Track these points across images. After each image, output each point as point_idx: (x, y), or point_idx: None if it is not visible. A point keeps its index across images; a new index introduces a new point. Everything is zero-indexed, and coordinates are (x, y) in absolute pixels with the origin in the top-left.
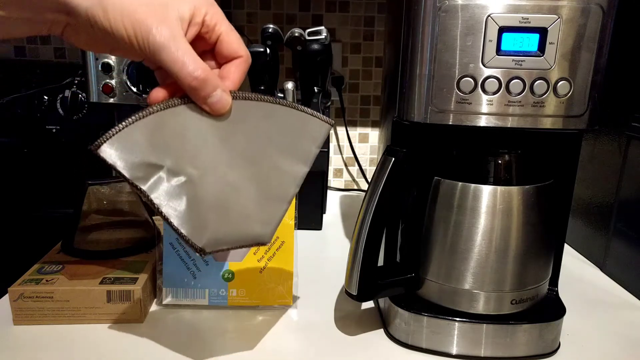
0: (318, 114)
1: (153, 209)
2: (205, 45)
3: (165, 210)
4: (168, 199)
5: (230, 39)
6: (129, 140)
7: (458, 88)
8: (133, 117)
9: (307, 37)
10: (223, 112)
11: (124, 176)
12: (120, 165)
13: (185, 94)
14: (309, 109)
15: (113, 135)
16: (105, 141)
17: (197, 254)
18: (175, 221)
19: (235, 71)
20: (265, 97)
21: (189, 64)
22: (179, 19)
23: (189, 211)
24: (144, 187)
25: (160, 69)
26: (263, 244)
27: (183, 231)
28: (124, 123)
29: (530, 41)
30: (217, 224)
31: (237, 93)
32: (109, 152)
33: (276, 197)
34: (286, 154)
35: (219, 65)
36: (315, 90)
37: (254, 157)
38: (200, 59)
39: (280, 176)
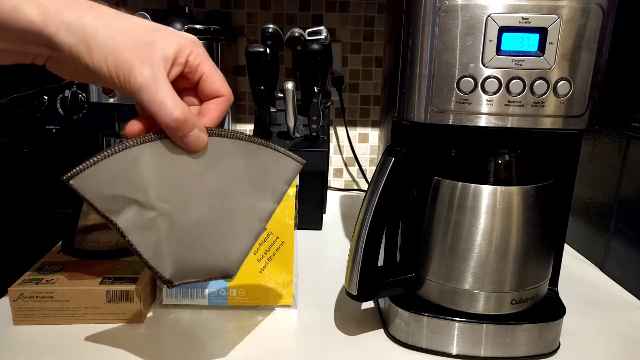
0: (290, 153)
1: (123, 241)
2: (187, 84)
3: (135, 243)
4: (139, 232)
5: (213, 79)
6: (102, 174)
7: (458, 88)
8: (108, 152)
9: (307, 37)
10: (198, 149)
11: (95, 208)
12: (91, 198)
13: (161, 129)
14: (281, 148)
15: (86, 168)
16: (77, 174)
17: (166, 286)
18: (145, 254)
19: (215, 109)
20: (241, 134)
21: (168, 105)
22: (162, 59)
23: (158, 245)
24: (115, 220)
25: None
26: (229, 277)
27: (152, 264)
28: (98, 157)
29: (530, 41)
30: (186, 257)
31: (213, 130)
32: (81, 184)
33: (244, 233)
34: (257, 191)
35: (200, 102)
36: (315, 90)
37: (226, 194)
38: (180, 98)
39: (250, 212)
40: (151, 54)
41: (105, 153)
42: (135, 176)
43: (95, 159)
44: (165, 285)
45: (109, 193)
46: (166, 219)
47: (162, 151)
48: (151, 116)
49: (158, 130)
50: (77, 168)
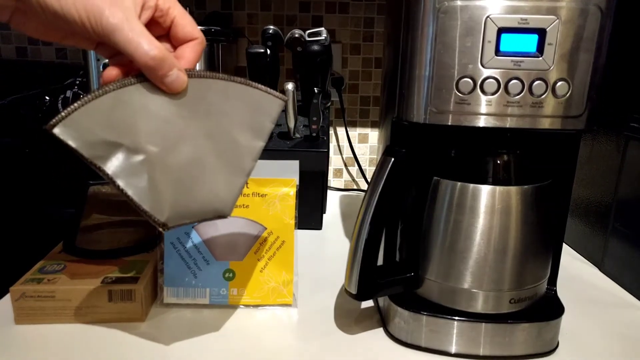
0: (271, 90)
1: (113, 187)
2: (160, 30)
3: (125, 188)
4: (128, 176)
5: (185, 22)
6: (84, 120)
7: (457, 89)
8: (89, 96)
9: (307, 38)
10: (180, 90)
11: (81, 155)
12: (75, 144)
13: (139, 73)
14: (262, 86)
15: (69, 114)
16: (60, 120)
17: (161, 229)
18: (136, 198)
19: (191, 52)
20: (220, 74)
21: (144, 44)
22: (132, 2)
23: (149, 188)
24: (104, 166)
25: (113, 56)
26: (224, 216)
27: (145, 207)
28: (79, 102)
29: (529, 42)
30: (178, 199)
31: (192, 72)
32: (65, 131)
33: (235, 171)
34: (242, 129)
35: (175, 48)
36: (316, 91)
37: (212, 133)
38: (156, 40)
39: (238, 150)
40: None
41: (86, 98)
42: (119, 119)
43: (77, 104)
44: (160, 228)
45: (94, 139)
46: (155, 162)
47: (143, 94)
48: (127, 62)
49: (137, 73)
50: (60, 115)
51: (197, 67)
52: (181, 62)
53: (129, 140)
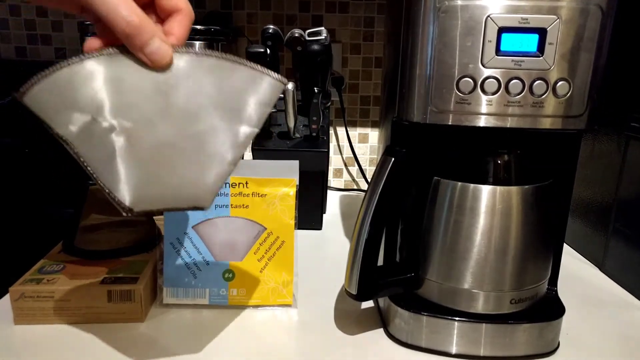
0: (269, 71)
1: (79, 162)
2: None
3: (90, 164)
4: (94, 151)
5: None
6: (55, 87)
7: (457, 88)
8: (62, 63)
9: (307, 38)
10: (162, 63)
11: (48, 125)
12: (44, 113)
13: (123, 44)
14: (259, 66)
15: (39, 80)
16: (30, 87)
17: (125, 214)
18: (100, 177)
19: (179, 26)
20: (212, 52)
21: (122, 9)
22: None
23: (116, 166)
24: (69, 138)
25: (98, 21)
26: (202, 208)
27: (108, 188)
28: (51, 68)
29: (530, 42)
30: (148, 181)
31: (180, 47)
32: (34, 98)
33: (216, 158)
34: (231, 113)
35: (161, 21)
36: (315, 90)
37: (196, 115)
38: (138, 7)
39: (224, 136)
40: None
41: (59, 65)
42: (91, 90)
43: (48, 71)
44: (124, 213)
45: (62, 109)
46: (125, 138)
47: (122, 65)
48: (111, 34)
49: (119, 44)
50: (29, 82)
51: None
52: (170, 38)
53: (99, 112)
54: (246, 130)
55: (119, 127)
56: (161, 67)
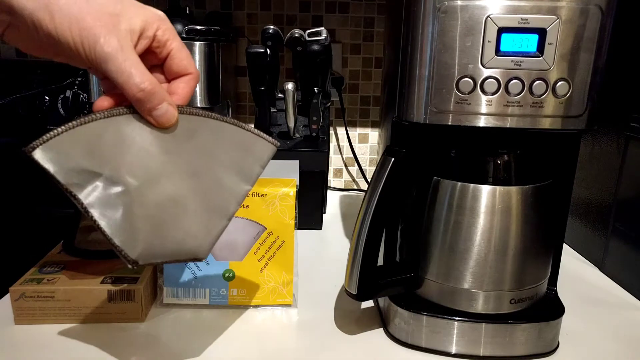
0: (264, 135)
1: (87, 217)
2: (155, 60)
3: (99, 219)
4: (103, 208)
5: (181, 56)
6: (65, 146)
7: (457, 88)
8: (73, 123)
9: (307, 38)
10: (168, 125)
11: (57, 182)
12: (53, 169)
13: (131, 104)
14: (255, 130)
15: (49, 139)
16: (40, 144)
17: (130, 266)
18: (108, 231)
19: (185, 87)
20: (213, 114)
21: (136, 76)
22: (129, 31)
23: (123, 222)
24: (79, 195)
25: (106, 78)
26: (198, 259)
27: (116, 242)
28: (62, 127)
29: (529, 42)
30: (153, 236)
31: (184, 108)
32: (43, 155)
33: (217, 213)
34: (230, 172)
35: (168, 81)
36: (315, 90)
37: (197, 172)
38: (149, 72)
39: (222, 192)
40: (117, 25)
41: (70, 124)
42: (102, 148)
43: (60, 129)
44: (129, 265)
45: (72, 166)
46: (133, 196)
47: (130, 125)
48: (120, 93)
49: (128, 105)
50: (41, 138)
51: (196, 88)
52: (174, 98)
53: (108, 170)
54: (245, 188)
55: (127, 186)
56: (166, 127)
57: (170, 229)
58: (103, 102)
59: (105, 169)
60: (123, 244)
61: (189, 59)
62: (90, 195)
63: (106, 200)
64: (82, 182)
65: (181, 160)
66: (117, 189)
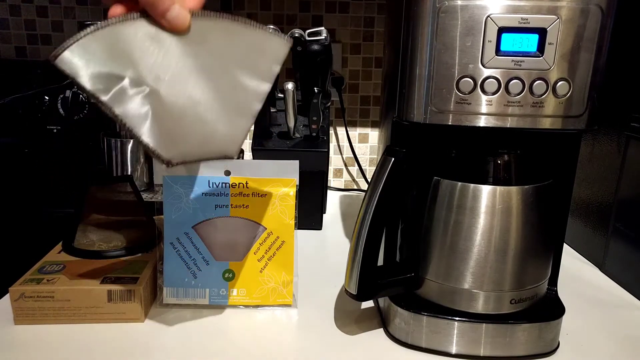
0: (277, 31)
1: (116, 122)
2: None
3: (129, 122)
4: (131, 110)
5: None
6: (88, 50)
7: (457, 88)
8: (91, 28)
9: (307, 38)
10: (182, 28)
11: (83, 88)
12: (80, 74)
13: (143, 10)
14: (266, 27)
15: (72, 44)
16: (64, 50)
17: (165, 165)
18: (138, 132)
19: None
20: (225, 15)
21: None
22: None
23: (153, 123)
24: (106, 99)
25: None
26: (230, 157)
27: (150, 142)
28: (82, 33)
29: (530, 42)
30: (183, 136)
31: (196, 12)
32: (69, 61)
33: (241, 112)
34: (248, 71)
35: None
36: (315, 90)
37: (217, 73)
38: None
39: (243, 91)
40: None
41: (89, 29)
42: (121, 52)
43: (80, 34)
44: (164, 165)
45: (95, 70)
46: (158, 96)
47: (145, 29)
48: (132, 1)
49: (140, 10)
50: (63, 45)
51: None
52: (187, 3)
53: (131, 72)
54: (265, 85)
55: (151, 87)
56: (180, 31)
57: (199, 128)
58: (117, 9)
59: (128, 72)
60: (157, 146)
61: None
62: (117, 99)
63: (134, 103)
64: (107, 86)
65: (200, 62)
66: (143, 89)
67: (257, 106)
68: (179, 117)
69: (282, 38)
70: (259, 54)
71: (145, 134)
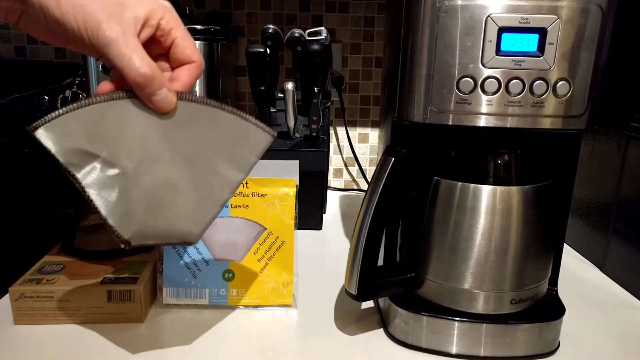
0: (261, 124)
1: (84, 197)
2: (160, 49)
3: (95, 199)
4: (100, 188)
5: (185, 44)
6: (67, 127)
7: (458, 88)
8: (75, 105)
9: (307, 38)
10: (167, 110)
11: (57, 161)
12: (54, 149)
13: (131, 89)
14: (253, 118)
15: (52, 119)
16: (42, 124)
17: (123, 246)
18: (103, 211)
19: (187, 75)
20: (212, 101)
21: (136, 60)
22: (133, 18)
23: (118, 203)
24: (77, 175)
25: (115, 67)
26: (189, 243)
27: (110, 222)
28: (64, 109)
29: (530, 41)
30: (146, 218)
31: (183, 94)
32: (45, 135)
33: (210, 200)
34: (225, 160)
35: (172, 69)
36: (315, 90)
37: (193, 158)
38: (151, 58)
39: (216, 180)
40: (121, 12)
41: (72, 106)
42: (101, 131)
43: (61, 111)
44: (122, 245)
45: (72, 146)
46: (129, 178)
47: (129, 110)
48: (122, 78)
49: (128, 89)
50: (43, 119)
51: (196, 87)
52: (175, 84)
53: (106, 152)
54: (240, 176)
55: (123, 168)
56: (165, 113)
57: (163, 212)
58: (105, 86)
59: (104, 151)
60: (117, 224)
61: (192, 47)
62: (87, 176)
63: (103, 181)
64: (80, 163)
65: (178, 146)
66: (114, 171)
67: (228, 196)
68: (147, 199)
69: (266, 131)
70: (239, 144)
71: (109, 214)
